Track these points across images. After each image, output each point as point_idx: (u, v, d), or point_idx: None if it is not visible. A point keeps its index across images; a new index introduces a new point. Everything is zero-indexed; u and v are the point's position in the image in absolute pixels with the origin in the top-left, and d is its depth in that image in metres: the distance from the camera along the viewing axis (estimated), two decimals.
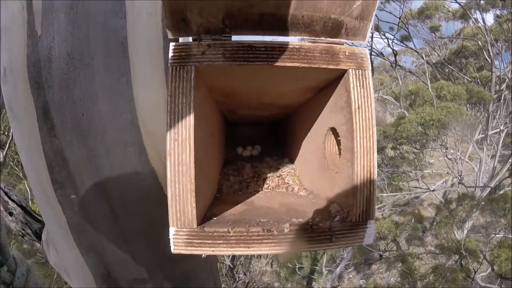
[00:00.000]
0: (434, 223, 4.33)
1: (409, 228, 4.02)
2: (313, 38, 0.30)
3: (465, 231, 3.75)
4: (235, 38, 0.30)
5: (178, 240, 0.29)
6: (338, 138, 0.34)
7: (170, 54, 0.28)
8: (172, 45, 0.29)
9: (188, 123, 0.28)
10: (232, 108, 0.55)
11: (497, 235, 3.42)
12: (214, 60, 0.29)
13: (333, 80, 0.34)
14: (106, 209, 0.51)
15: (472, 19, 4.38)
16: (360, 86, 0.31)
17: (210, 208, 0.37)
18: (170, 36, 0.29)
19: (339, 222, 0.32)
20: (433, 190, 3.92)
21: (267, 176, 0.54)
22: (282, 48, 0.29)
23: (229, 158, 0.68)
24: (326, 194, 0.39)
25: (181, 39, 0.31)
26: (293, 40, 0.31)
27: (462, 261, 3.40)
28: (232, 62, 0.29)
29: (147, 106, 0.47)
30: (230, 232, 0.29)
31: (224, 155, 0.67)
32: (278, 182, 0.52)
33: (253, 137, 0.79)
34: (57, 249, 0.65)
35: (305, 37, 0.30)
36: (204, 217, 0.33)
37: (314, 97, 0.43)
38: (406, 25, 4.48)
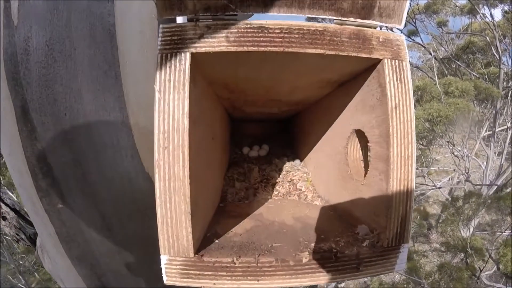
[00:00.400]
0: (440, 221, 4.27)
1: (414, 225, 3.97)
2: (340, 18, 0.24)
3: (471, 229, 3.69)
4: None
5: (172, 270, 0.24)
6: (368, 143, 0.28)
7: (159, 38, 0.22)
8: (161, 27, 0.23)
9: (182, 126, 0.22)
10: (237, 105, 0.49)
11: (503, 234, 3.37)
12: (215, 45, 0.23)
13: (361, 72, 0.28)
14: (97, 218, 0.47)
15: (480, 14, 4.27)
16: (397, 80, 0.25)
17: (211, 224, 0.31)
18: (160, 16, 0.23)
19: (368, 248, 0.26)
20: (439, 187, 3.85)
21: (277, 181, 0.48)
22: (301, 31, 0.23)
23: (234, 159, 0.62)
24: (347, 208, 0.33)
25: (178, 20, 0.25)
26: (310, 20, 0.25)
27: (468, 259, 3.36)
28: (238, 47, 0.23)
29: (140, 102, 0.42)
30: (235, 263, 0.23)
31: (228, 156, 0.61)
32: (289, 188, 0.46)
33: (260, 135, 0.73)
34: (50, 257, 0.62)
35: (330, 17, 0.24)
36: (204, 239, 0.27)
37: (334, 92, 0.36)
38: (413, 20, 4.38)
